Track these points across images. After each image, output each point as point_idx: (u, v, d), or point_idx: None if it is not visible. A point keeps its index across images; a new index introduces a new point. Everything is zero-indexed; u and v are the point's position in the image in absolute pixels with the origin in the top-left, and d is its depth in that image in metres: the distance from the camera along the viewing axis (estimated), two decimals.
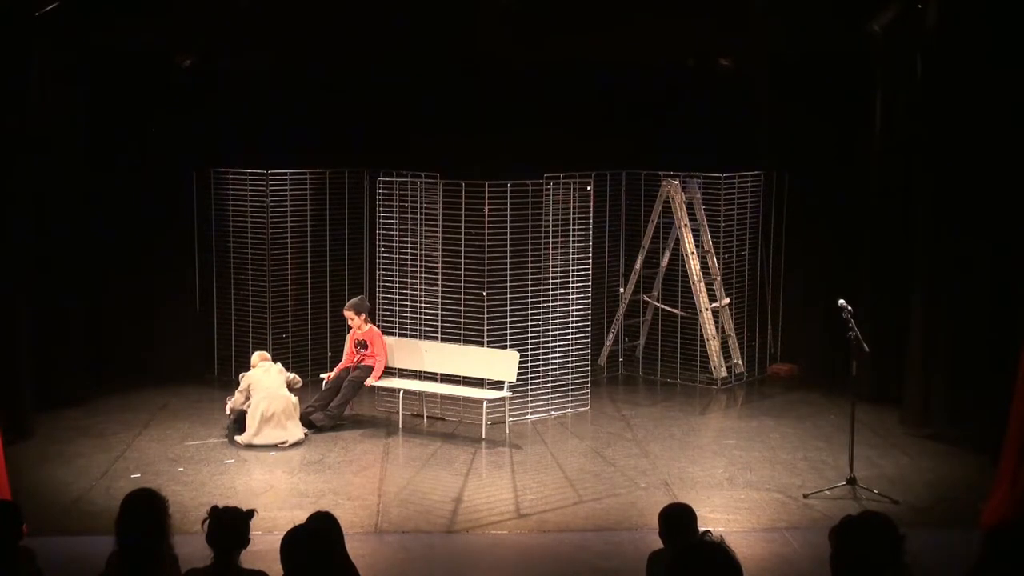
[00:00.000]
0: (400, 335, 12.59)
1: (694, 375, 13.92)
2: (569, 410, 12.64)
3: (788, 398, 13.38)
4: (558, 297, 12.57)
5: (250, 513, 5.35)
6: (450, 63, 13.20)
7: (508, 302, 12.30)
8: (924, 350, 11.71)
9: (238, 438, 11.35)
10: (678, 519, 6.02)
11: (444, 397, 12.46)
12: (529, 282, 12.39)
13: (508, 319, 12.28)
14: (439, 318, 12.48)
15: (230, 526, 5.27)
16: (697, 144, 13.84)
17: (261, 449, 11.23)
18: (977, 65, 10.90)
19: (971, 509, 9.17)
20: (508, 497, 10.04)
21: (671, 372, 14.09)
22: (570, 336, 12.64)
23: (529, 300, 12.39)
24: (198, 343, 14.11)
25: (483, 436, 11.77)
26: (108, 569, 5.32)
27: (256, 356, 12.12)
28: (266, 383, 11.61)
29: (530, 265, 12.40)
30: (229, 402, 11.75)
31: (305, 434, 11.56)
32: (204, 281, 14.10)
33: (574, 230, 12.61)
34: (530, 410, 12.43)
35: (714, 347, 13.66)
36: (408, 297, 12.63)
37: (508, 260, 12.29)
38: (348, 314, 12.34)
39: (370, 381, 12.18)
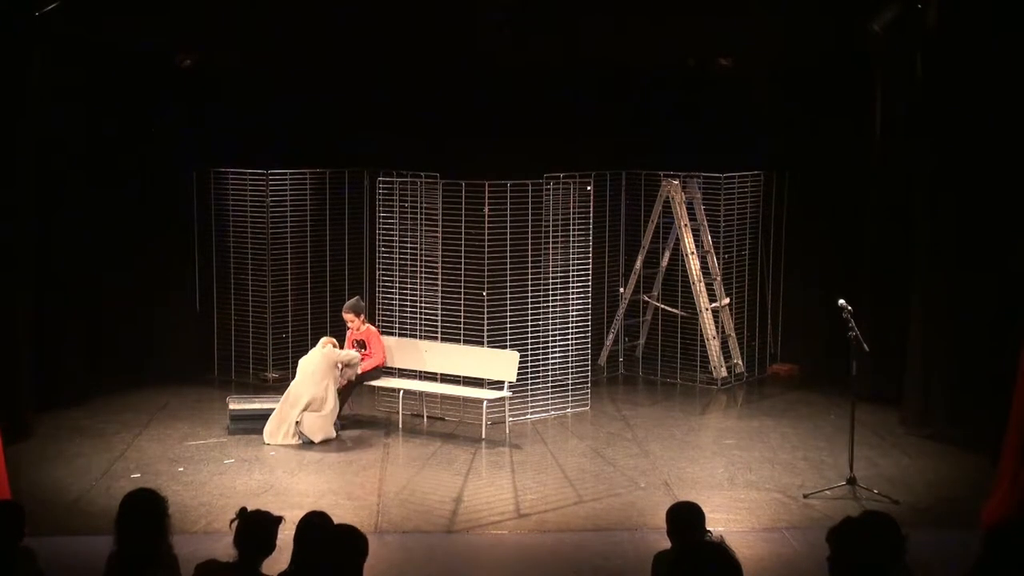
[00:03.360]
0: (400, 335, 12.59)
1: (694, 375, 13.91)
2: (569, 410, 12.64)
3: (788, 398, 13.38)
4: (558, 297, 12.57)
5: (278, 520, 5.35)
6: (450, 63, 13.20)
7: (508, 302, 12.30)
8: (924, 350, 11.72)
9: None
10: (685, 517, 5.99)
11: (444, 397, 12.46)
12: (529, 282, 12.39)
13: (508, 319, 12.28)
14: (439, 318, 12.48)
15: (258, 529, 5.27)
16: (697, 144, 13.84)
17: (266, 448, 11.26)
18: (977, 65, 10.90)
19: (971, 509, 9.16)
20: (508, 497, 10.04)
21: (671, 372, 14.09)
22: (570, 336, 12.64)
23: (529, 300, 12.39)
24: (198, 343, 14.11)
25: (483, 436, 11.77)
26: (108, 569, 5.32)
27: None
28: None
29: (530, 265, 12.40)
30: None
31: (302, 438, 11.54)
32: (204, 281, 14.10)
33: (574, 230, 12.61)
34: (530, 410, 12.43)
35: (714, 347, 13.66)
36: (408, 297, 12.63)
37: (508, 260, 12.29)
38: (348, 316, 12.33)
39: (355, 368, 12.14)
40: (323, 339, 12.19)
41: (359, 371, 12.07)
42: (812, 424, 12.22)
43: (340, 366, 11.83)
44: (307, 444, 11.39)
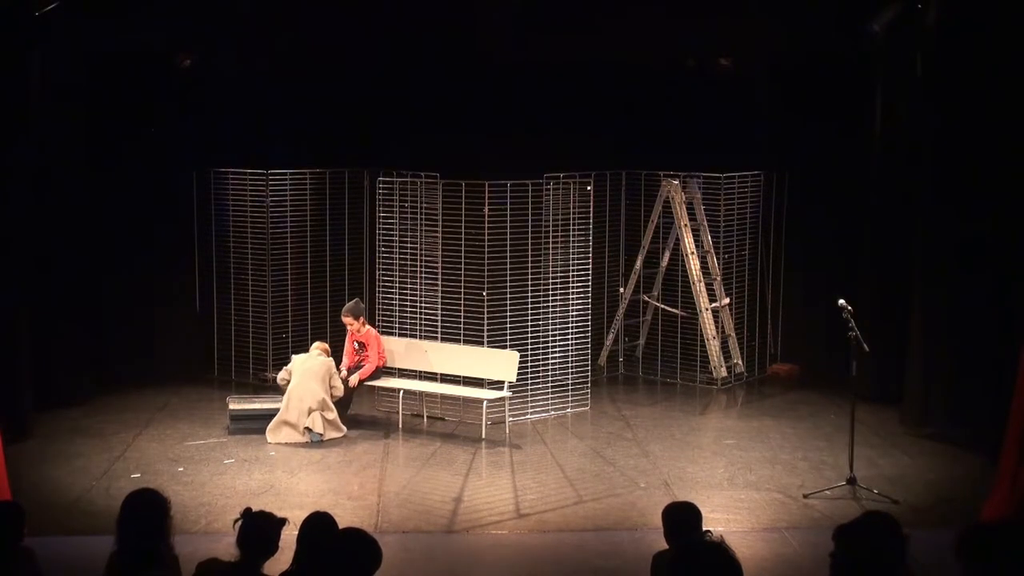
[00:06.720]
0: (400, 335, 12.59)
1: (694, 375, 13.91)
2: (569, 410, 12.64)
3: (788, 398, 13.38)
4: (558, 297, 12.57)
5: (282, 521, 5.35)
6: (451, 63, 13.20)
7: (508, 302, 12.30)
8: (924, 350, 11.72)
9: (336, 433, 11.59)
10: (681, 517, 5.99)
11: (444, 397, 12.46)
12: (529, 282, 12.38)
13: (508, 319, 12.28)
14: (439, 318, 12.48)
15: (262, 530, 5.27)
16: (697, 144, 13.83)
17: (266, 448, 11.26)
18: (977, 65, 10.90)
19: (971, 509, 9.16)
20: (508, 497, 10.04)
21: (671, 372, 14.09)
22: (570, 336, 12.64)
23: (529, 300, 12.39)
24: (198, 343, 14.11)
25: (483, 436, 11.77)
26: (108, 569, 5.32)
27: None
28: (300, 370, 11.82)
29: (530, 265, 12.40)
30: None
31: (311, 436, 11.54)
32: (204, 281, 14.10)
33: (574, 230, 12.61)
34: (530, 410, 12.43)
35: (714, 347, 13.66)
36: (408, 297, 12.63)
37: (508, 260, 12.29)
38: (347, 319, 12.33)
39: (354, 379, 12.13)
40: (316, 344, 12.19)
41: (352, 384, 12.13)
42: (812, 424, 12.22)
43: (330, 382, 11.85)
44: (315, 443, 11.38)
